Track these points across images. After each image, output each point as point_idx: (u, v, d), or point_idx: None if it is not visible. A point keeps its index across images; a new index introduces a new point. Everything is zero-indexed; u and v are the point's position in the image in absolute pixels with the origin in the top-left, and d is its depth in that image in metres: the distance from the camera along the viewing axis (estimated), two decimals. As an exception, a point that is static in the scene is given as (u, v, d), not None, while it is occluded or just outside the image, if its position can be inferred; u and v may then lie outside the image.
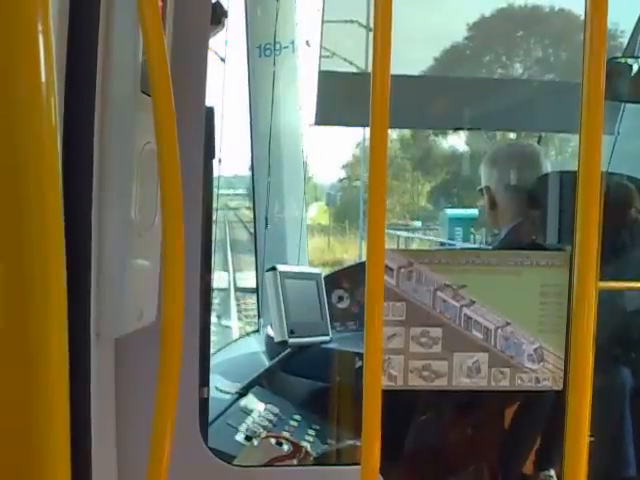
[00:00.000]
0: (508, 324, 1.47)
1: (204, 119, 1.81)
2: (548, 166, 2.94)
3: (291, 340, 3.25)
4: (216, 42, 3.54)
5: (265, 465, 2.49)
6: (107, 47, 1.42)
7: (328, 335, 3.47)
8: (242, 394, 3.25)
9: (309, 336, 3.36)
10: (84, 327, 1.43)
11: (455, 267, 1.45)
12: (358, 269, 3.99)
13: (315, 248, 15.84)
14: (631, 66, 2.83)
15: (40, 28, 0.65)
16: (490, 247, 3.59)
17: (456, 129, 5.53)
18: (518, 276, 1.48)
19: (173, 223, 1.05)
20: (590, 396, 1.09)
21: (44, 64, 0.65)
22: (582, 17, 1.17)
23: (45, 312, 0.68)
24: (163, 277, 1.08)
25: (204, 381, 1.97)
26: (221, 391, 3.26)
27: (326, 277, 3.76)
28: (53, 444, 0.68)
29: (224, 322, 9.96)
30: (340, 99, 4.51)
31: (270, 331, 3.58)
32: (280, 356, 3.39)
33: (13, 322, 0.67)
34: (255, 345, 4.13)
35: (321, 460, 2.76)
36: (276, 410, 3.20)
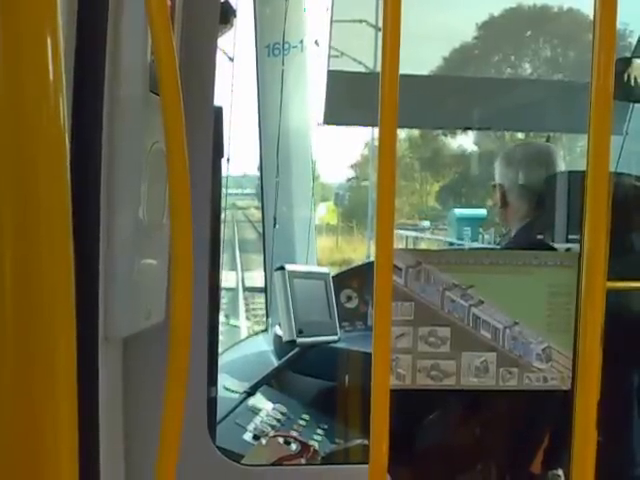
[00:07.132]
0: (516, 324, 1.46)
1: (213, 118, 1.81)
2: (562, 166, 2.92)
3: (299, 340, 3.24)
4: (225, 41, 3.55)
5: (273, 464, 2.49)
6: (116, 47, 1.43)
7: (336, 335, 3.46)
8: (250, 393, 3.26)
9: (317, 336, 3.35)
10: (92, 326, 1.43)
11: (463, 267, 1.45)
12: (366, 269, 3.99)
13: (323, 248, 15.81)
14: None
15: (48, 29, 0.65)
16: (499, 247, 3.58)
17: (465, 129, 5.51)
18: (526, 276, 1.48)
19: (181, 222, 1.06)
20: (597, 396, 1.09)
21: (52, 64, 0.65)
22: (591, 17, 1.17)
23: (53, 311, 0.69)
24: (171, 276, 1.08)
25: (212, 380, 1.97)
26: (229, 390, 3.27)
27: (334, 277, 3.76)
28: (61, 443, 0.69)
29: (232, 321, 9.95)
30: (349, 99, 4.50)
31: (278, 330, 3.59)
32: (288, 355, 3.39)
33: (22, 322, 0.67)
34: (263, 344, 4.13)
35: (329, 459, 2.76)
36: (284, 409, 3.20)
